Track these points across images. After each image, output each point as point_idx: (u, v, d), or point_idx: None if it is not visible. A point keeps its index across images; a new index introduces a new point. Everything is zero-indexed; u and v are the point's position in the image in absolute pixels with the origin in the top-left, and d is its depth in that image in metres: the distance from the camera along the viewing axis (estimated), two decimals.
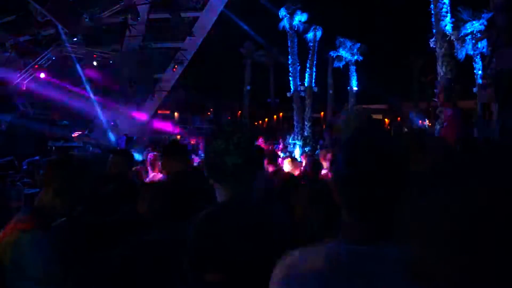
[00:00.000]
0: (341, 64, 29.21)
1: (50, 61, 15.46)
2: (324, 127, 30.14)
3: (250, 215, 1.59)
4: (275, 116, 43.71)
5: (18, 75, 15.22)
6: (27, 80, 15.24)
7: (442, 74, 12.78)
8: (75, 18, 11.51)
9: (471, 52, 20.32)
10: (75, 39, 15.12)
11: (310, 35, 26.64)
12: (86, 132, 15.58)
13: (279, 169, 5.62)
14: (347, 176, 1.10)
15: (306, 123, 25.98)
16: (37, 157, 7.04)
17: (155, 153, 5.01)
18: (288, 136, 23.47)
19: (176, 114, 39.19)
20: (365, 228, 1.08)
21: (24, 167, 6.75)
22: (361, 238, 1.07)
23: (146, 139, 19.02)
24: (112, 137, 16.12)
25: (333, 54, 29.16)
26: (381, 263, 1.02)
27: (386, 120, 45.31)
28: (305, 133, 25.21)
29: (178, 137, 30.69)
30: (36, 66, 15.25)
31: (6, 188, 4.92)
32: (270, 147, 16.78)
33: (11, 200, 4.84)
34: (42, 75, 15.40)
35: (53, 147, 10.43)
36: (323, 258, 1.07)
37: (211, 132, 1.68)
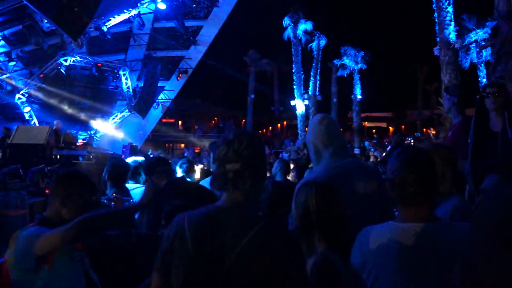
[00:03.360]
0: (345, 73, 29.19)
1: (55, 70, 15.56)
2: None
3: (233, 227, 1.48)
4: (279, 125, 43.68)
5: (24, 83, 15.33)
6: (33, 88, 15.34)
7: (446, 82, 12.74)
8: (81, 27, 11.57)
9: (476, 61, 20.29)
10: (80, 48, 15.24)
11: (313, 44, 26.70)
12: (90, 141, 15.60)
13: None
14: (399, 179, 1.69)
15: None
16: (42, 166, 7.04)
17: None
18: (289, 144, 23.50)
19: (180, 122, 39.27)
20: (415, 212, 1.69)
21: (29, 176, 6.76)
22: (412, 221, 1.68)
23: (150, 148, 19.06)
24: (116, 145, 16.13)
25: (337, 62, 29.17)
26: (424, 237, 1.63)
27: (390, 128, 45.22)
28: None
29: (182, 145, 30.75)
30: (42, 75, 15.35)
31: (7, 196, 4.95)
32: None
33: (9, 208, 4.87)
34: (47, 84, 15.50)
35: (58, 156, 10.39)
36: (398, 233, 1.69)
37: (219, 141, 1.68)
